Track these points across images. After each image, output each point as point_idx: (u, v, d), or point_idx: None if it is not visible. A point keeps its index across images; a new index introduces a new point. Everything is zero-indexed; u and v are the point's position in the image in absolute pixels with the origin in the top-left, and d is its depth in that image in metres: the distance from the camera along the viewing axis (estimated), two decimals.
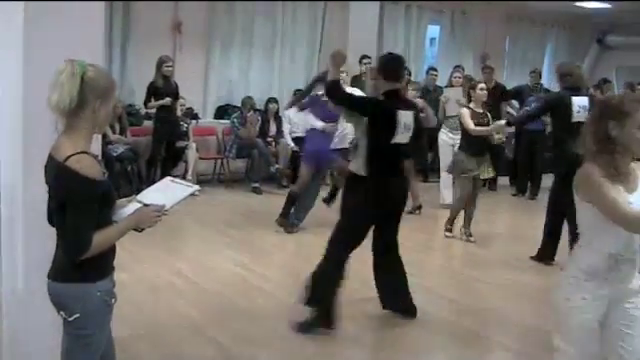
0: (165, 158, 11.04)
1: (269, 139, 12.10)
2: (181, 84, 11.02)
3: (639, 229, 3.28)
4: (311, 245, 8.14)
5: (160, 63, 10.58)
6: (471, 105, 8.49)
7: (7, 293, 4.53)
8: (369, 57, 12.05)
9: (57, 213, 3.00)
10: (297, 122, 11.93)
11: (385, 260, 5.98)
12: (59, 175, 2.93)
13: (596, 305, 3.42)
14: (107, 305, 3.12)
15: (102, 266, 3.09)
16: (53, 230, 3.05)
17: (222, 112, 12.61)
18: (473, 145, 8.30)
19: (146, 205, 3.18)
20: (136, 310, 5.69)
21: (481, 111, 8.51)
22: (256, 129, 11.83)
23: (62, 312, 3.06)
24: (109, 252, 3.10)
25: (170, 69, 10.71)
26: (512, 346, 5.56)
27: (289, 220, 8.87)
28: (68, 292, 3.05)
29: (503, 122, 8.11)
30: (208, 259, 7.40)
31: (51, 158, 3.01)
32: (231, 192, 11.04)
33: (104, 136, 9.73)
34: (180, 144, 11.14)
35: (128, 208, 3.22)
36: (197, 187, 3.39)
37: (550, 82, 15.38)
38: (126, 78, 11.44)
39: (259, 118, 12.00)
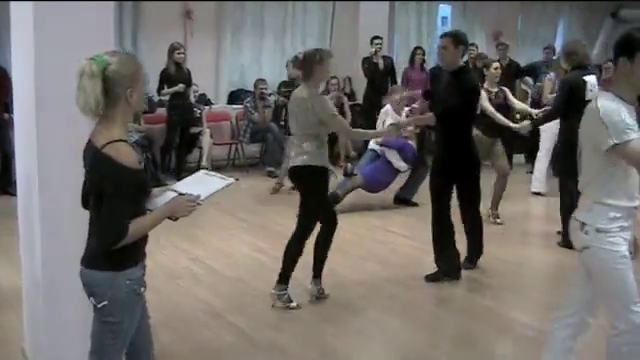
0: (179, 145, 11.06)
1: (283, 123, 12.07)
2: (193, 70, 11.01)
3: None
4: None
5: (172, 50, 10.56)
6: (485, 85, 8.39)
7: (27, 284, 4.56)
8: (380, 37, 12.01)
9: (93, 199, 3.03)
10: None
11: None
12: (96, 162, 2.97)
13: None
14: (136, 294, 3.13)
15: (132, 254, 3.10)
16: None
17: (235, 97, 12.60)
18: (489, 128, 8.19)
19: (181, 194, 3.20)
20: (156, 296, 5.68)
21: (496, 89, 8.45)
22: (270, 112, 11.78)
23: (92, 298, 3.09)
24: (139, 240, 3.10)
25: (182, 56, 10.69)
26: (529, 323, 5.54)
27: None
28: (97, 279, 3.06)
29: (528, 123, 7.98)
30: (226, 245, 7.41)
31: (90, 144, 3.05)
32: (246, 177, 11.02)
33: None
34: (194, 130, 11.14)
35: (162, 197, 3.24)
36: (232, 180, 3.41)
37: None
38: None
39: (272, 101, 11.94)
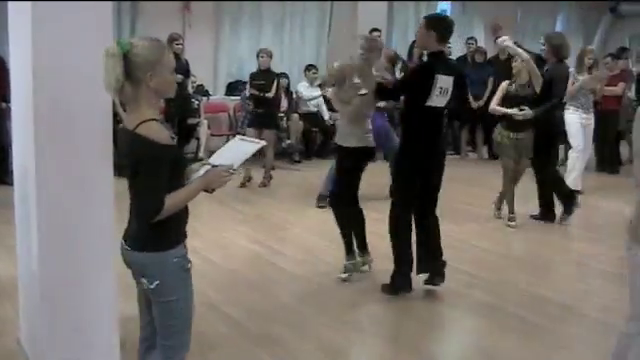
0: (177, 135, 11.01)
1: (280, 114, 12.07)
2: (191, 61, 11.01)
3: None
4: (325, 220, 8.17)
5: (170, 41, 10.55)
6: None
7: (23, 274, 4.57)
8: (379, 30, 12.01)
9: (131, 180, 3.11)
10: (307, 97, 11.95)
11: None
12: (131, 143, 3.05)
13: None
14: (185, 270, 3.27)
15: (176, 234, 3.25)
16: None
17: (233, 89, 12.61)
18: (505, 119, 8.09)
19: (214, 166, 3.30)
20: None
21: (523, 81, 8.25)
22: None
23: (143, 279, 3.20)
24: (182, 220, 3.26)
25: (180, 47, 10.68)
26: (528, 317, 5.56)
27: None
28: (146, 260, 3.18)
29: (529, 111, 7.78)
30: (223, 236, 7.42)
31: (124, 129, 3.15)
32: (242, 168, 11.02)
33: (115, 115, 9.72)
34: (192, 121, 11.16)
35: (200, 172, 3.33)
36: (264, 142, 3.65)
37: None
38: None
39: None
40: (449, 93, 5.76)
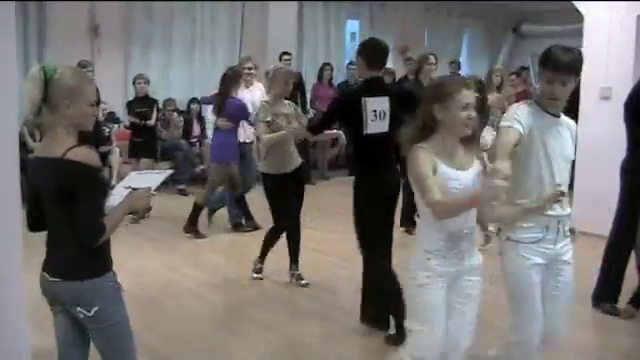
0: None
1: (193, 140, 12.04)
2: (101, 88, 10.80)
3: (443, 215, 3.47)
4: (239, 244, 8.17)
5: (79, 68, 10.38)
6: None
7: None
8: (289, 53, 12.09)
9: (58, 209, 3.09)
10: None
11: None
12: (60, 170, 3.04)
13: (439, 282, 3.60)
14: (119, 291, 3.27)
15: (107, 258, 3.25)
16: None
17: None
18: None
19: (134, 189, 3.31)
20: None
21: None
22: (179, 131, 11.79)
23: (80, 308, 3.16)
24: (107, 245, 3.24)
25: (90, 74, 10.53)
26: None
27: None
28: (82, 289, 3.15)
29: None
30: (135, 264, 7.30)
31: (39, 160, 3.16)
32: (157, 195, 10.90)
33: (24, 144, 9.56)
34: (103, 149, 10.98)
35: (114, 197, 3.33)
36: (170, 171, 3.76)
37: (468, 72, 15.66)
38: None
39: (182, 119, 11.95)
40: (387, 116, 5.35)
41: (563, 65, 3.73)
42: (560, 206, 3.88)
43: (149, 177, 3.54)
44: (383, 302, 5.48)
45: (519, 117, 3.80)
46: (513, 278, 3.91)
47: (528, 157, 3.83)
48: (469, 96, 3.54)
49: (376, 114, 5.30)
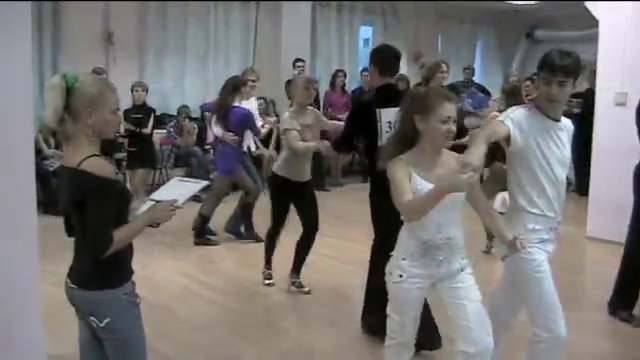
0: None
1: (207, 147, 12.05)
2: None
3: (412, 214, 3.59)
4: (252, 251, 8.15)
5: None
6: None
7: None
8: (303, 60, 12.12)
9: (76, 218, 3.11)
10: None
11: None
12: (74, 180, 3.05)
13: (413, 282, 3.74)
14: (135, 305, 3.25)
15: (124, 270, 3.24)
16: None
17: (158, 122, 12.51)
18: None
19: (159, 202, 3.32)
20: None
21: None
22: (193, 138, 11.80)
23: (92, 318, 3.16)
24: (128, 255, 3.25)
25: None
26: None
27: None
28: (96, 299, 3.15)
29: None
30: (151, 271, 7.33)
31: (63, 169, 3.17)
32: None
33: (39, 151, 9.61)
34: (118, 156, 11.03)
35: (142, 208, 3.35)
36: (206, 182, 3.70)
37: (482, 78, 15.65)
38: None
39: (195, 126, 11.96)
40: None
41: (560, 67, 3.82)
42: (558, 209, 4.03)
43: (187, 186, 3.57)
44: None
45: (513, 118, 3.89)
46: (526, 278, 3.98)
47: (526, 161, 3.92)
48: (450, 110, 3.61)
49: (390, 125, 5.17)
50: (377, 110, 5.29)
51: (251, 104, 9.00)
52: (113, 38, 11.76)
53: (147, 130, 10.10)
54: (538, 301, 3.97)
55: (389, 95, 5.40)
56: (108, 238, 3.02)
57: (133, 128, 9.97)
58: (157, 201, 3.34)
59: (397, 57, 5.65)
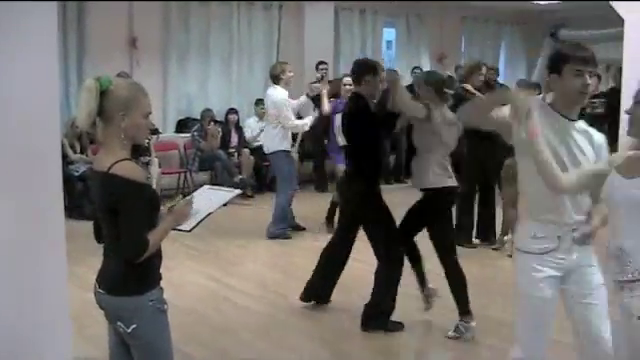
0: None
1: (231, 150, 12.08)
2: None
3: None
4: (278, 254, 8.16)
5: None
6: None
7: None
8: (326, 63, 12.12)
9: (106, 223, 3.13)
10: (258, 131, 11.97)
11: None
12: (106, 184, 3.05)
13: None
14: (161, 311, 3.24)
15: (151, 276, 3.24)
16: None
17: (182, 126, 12.56)
18: None
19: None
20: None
21: None
22: (217, 141, 11.83)
23: (119, 323, 3.18)
24: (157, 261, 3.25)
25: None
26: (483, 341, 5.60)
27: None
28: (123, 305, 3.17)
29: None
30: (177, 275, 7.32)
31: (93, 173, 3.18)
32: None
33: (65, 156, 9.66)
34: (142, 160, 11.06)
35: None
36: (238, 191, 3.69)
37: (506, 78, 15.56)
38: None
39: (220, 130, 11.99)
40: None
41: (590, 57, 3.63)
42: (574, 213, 3.62)
43: (219, 194, 3.60)
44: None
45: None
46: (522, 291, 3.70)
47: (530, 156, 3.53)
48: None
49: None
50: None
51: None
52: (137, 42, 11.82)
53: None
54: (521, 316, 3.76)
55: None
56: (144, 242, 3.04)
57: None
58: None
59: (367, 67, 5.94)
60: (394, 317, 5.87)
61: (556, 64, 3.67)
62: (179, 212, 3.30)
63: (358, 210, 5.92)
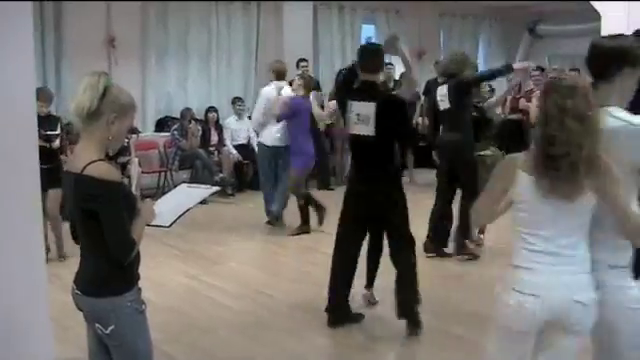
0: None
1: (211, 148, 12.05)
2: None
3: None
4: (260, 252, 8.17)
5: None
6: None
7: None
8: (306, 60, 12.11)
9: (82, 224, 3.12)
10: (238, 130, 11.96)
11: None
12: (79, 185, 3.03)
13: None
14: (139, 312, 3.23)
15: (129, 277, 3.22)
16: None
17: (162, 125, 12.53)
18: None
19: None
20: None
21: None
22: (197, 139, 11.80)
23: (98, 325, 3.17)
24: (134, 262, 3.22)
25: None
26: (465, 335, 5.61)
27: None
28: (100, 306, 3.15)
29: None
30: (157, 273, 7.28)
31: (66, 174, 3.14)
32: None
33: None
34: (122, 160, 11.01)
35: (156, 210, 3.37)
36: (216, 188, 3.81)
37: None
38: (62, 96, 11.16)
39: (199, 128, 11.96)
40: (371, 121, 5.48)
41: None
42: None
43: (196, 192, 3.65)
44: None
45: None
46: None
47: None
48: None
49: (359, 117, 5.57)
50: (349, 102, 5.66)
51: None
52: (115, 42, 11.76)
53: (56, 144, 8.24)
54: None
55: (363, 90, 5.67)
56: (131, 241, 3.06)
57: (45, 145, 7.63)
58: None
59: (367, 55, 5.82)
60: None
61: (624, 62, 3.12)
62: (145, 209, 3.27)
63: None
